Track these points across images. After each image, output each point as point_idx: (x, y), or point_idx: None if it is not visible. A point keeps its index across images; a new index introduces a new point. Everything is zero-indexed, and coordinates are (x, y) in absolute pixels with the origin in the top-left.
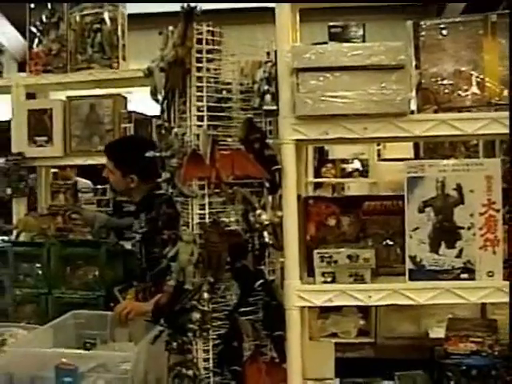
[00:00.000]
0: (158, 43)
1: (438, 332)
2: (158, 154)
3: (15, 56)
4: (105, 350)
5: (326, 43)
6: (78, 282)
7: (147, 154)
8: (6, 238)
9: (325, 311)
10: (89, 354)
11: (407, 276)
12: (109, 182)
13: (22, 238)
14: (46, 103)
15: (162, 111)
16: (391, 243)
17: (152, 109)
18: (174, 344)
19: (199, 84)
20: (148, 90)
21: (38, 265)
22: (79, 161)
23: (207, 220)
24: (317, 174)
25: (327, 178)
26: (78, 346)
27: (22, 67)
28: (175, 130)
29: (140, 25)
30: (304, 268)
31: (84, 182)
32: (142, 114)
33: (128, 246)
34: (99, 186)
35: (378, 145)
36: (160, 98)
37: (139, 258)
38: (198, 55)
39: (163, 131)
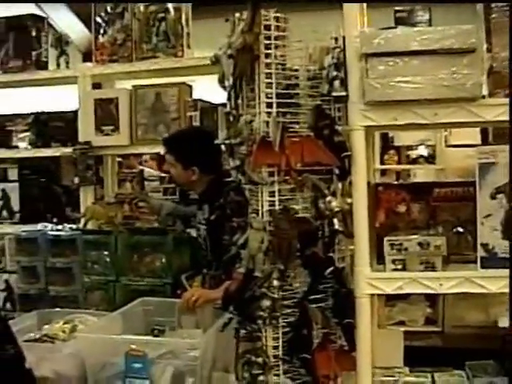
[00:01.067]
0: (222, 31)
1: (507, 321)
2: (227, 142)
3: (80, 47)
4: (173, 336)
5: (392, 28)
6: (145, 269)
7: (216, 141)
8: (74, 226)
9: (391, 299)
10: (158, 340)
11: (479, 264)
12: (170, 175)
13: (89, 226)
14: (112, 92)
15: (229, 98)
16: (461, 230)
17: (217, 96)
18: (243, 331)
19: (267, 70)
20: (212, 77)
21: (106, 252)
22: (145, 149)
23: (277, 207)
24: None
25: (389, 164)
26: (146, 332)
27: (86, 58)
28: (243, 117)
29: (203, 13)
30: (374, 255)
31: (148, 171)
32: (207, 102)
33: (195, 233)
34: (165, 174)
35: (445, 131)
36: (227, 85)
37: (205, 247)
38: (266, 41)
39: (231, 118)
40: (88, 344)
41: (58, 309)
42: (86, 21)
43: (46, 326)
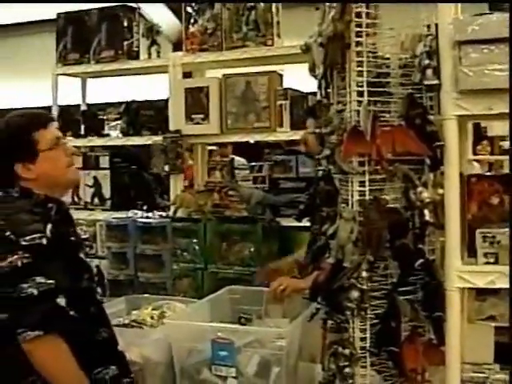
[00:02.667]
0: (310, 20)
1: None
2: (317, 131)
3: (170, 37)
4: (260, 325)
5: (487, 14)
6: (234, 257)
7: (307, 131)
8: (163, 213)
9: (482, 293)
10: (244, 329)
11: None
12: (307, 146)
13: (179, 214)
14: (202, 81)
15: (320, 87)
16: None
17: (307, 85)
18: (331, 322)
19: (359, 59)
20: (302, 66)
21: (195, 240)
22: (235, 138)
23: (367, 197)
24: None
25: (482, 155)
26: (233, 320)
27: (176, 48)
28: (334, 106)
29: (292, 2)
30: (465, 248)
31: (238, 160)
32: (297, 90)
33: (284, 222)
34: (255, 163)
35: None
36: (318, 73)
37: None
38: (357, 29)
39: (322, 107)
40: (176, 330)
41: (146, 295)
42: (177, 11)
43: (135, 312)
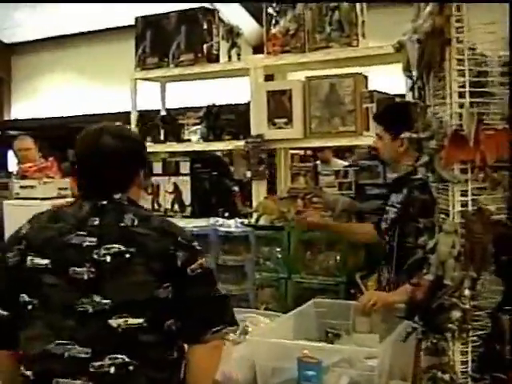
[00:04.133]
0: (393, 19)
1: None
2: (414, 136)
3: (249, 40)
4: (348, 342)
5: None
6: (319, 267)
7: (402, 136)
8: (245, 221)
9: None
10: (333, 347)
11: None
12: (377, 151)
13: (261, 222)
14: (285, 84)
15: (412, 88)
16: None
17: (393, 87)
18: (428, 344)
19: (459, 57)
20: (388, 67)
21: (278, 249)
22: (319, 143)
23: (470, 208)
24: None
25: None
26: (318, 335)
27: (255, 52)
28: (431, 108)
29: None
30: None
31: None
32: (383, 93)
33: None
34: (340, 168)
35: None
36: (413, 73)
37: (388, 236)
38: (458, 24)
39: (419, 110)
40: (259, 347)
41: None
42: (255, 13)
43: None
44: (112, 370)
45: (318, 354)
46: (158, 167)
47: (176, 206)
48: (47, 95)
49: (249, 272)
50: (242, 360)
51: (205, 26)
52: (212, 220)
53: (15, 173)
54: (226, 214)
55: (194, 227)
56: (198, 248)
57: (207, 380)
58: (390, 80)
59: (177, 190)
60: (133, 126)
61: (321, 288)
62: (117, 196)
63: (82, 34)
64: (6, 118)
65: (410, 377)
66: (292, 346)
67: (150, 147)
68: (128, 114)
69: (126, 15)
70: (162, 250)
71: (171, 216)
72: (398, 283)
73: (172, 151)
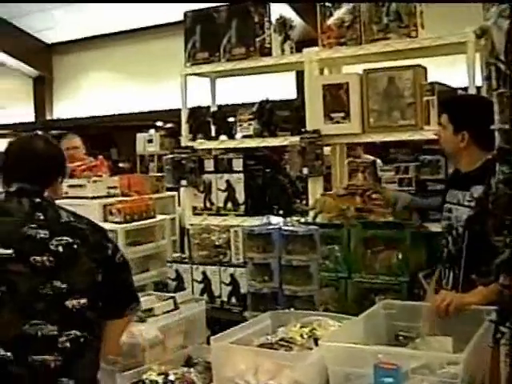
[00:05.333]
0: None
1: None
2: (503, 127)
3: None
4: (421, 345)
5: None
6: (380, 266)
7: (492, 127)
8: (302, 219)
9: None
10: (411, 353)
11: None
12: (438, 143)
13: (319, 220)
14: (341, 77)
15: (488, 77)
16: None
17: (454, 79)
18: None
19: None
20: (447, 58)
21: (337, 247)
22: (378, 137)
23: None
24: None
25: None
26: (388, 338)
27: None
28: None
29: None
30: None
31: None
32: (444, 85)
33: (433, 228)
34: (401, 164)
35: None
36: (500, 59)
37: (452, 237)
38: None
39: (505, 100)
40: (332, 353)
41: (292, 310)
42: (298, 9)
43: (282, 329)
44: (68, 344)
45: (394, 359)
46: (209, 164)
47: (229, 204)
48: (88, 94)
49: (314, 272)
50: (313, 366)
51: (256, 19)
52: (265, 218)
53: None
54: (281, 212)
55: (255, 226)
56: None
57: (119, 346)
58: (450, 72)
59: (230, 187)
60: (183, 123)
61: (382, 288)
62: (45, 195)
63: (122, 32)
64: (48, 118)
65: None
66: (367, 350)
67: (202, 144)
68: (178, 110)
69: (165, 13)
70: (98, 242)
71: (224, 214)
72: (468, 284)
73: (224, 148)
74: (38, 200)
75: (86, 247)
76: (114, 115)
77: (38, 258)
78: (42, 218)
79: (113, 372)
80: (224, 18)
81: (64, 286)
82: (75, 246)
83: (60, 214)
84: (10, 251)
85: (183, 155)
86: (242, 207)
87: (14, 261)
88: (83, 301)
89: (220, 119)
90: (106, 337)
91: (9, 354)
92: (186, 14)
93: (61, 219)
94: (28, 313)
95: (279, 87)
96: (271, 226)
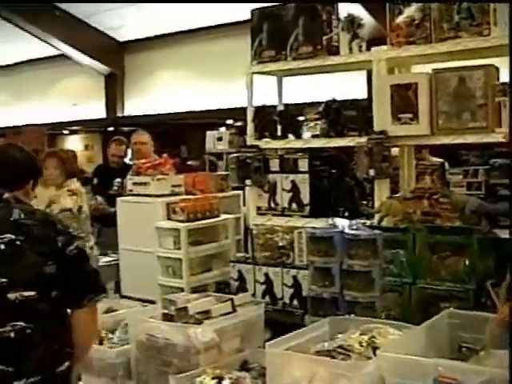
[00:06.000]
0: None
1: None
2: None
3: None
4: (485, 359)
5: None
6: (445, 272)
7: None
8: (367, 222)
9: None
10: (472, 368)
11: None
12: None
13: (384, 223)
14: (410, 77)
15: None
16: None
17: None
18: None
19: None
20: None
21: (402, 252)
22: (447, 139)
23: None
24: None
25: None
26: (450, 349)
27: (376, 43)
28: None
29: None
30: None
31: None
32: None
33: (502, 234)
34: (470, 168)
35: None
36: None
37: None
38: None
39: None
40: (390, 364)
41: (352, 316)
42: (369, 7)
43: (340, 336)
44: (12, 334)
45: (455, 373)
46: (274, 164)
47: (294, 205)
48: (158, 92)
49: (376, 278)
50: (371, 376)
51: (324, 17)
52: (330, 220)
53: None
54: (347, 214)
55: (317, 228)
56: (74, 233)
57: (90, 336)
58: None
59: (295, 187)
60: (249, 122)
61: (447, 295)
62: (6, 196)
63: (190, 31)
64: (119, 115)
65: None
66: (427, 362)
67: (268, 143)
68: (244, 109)
69: (232, 12)
70: (45, 236)
71: (289, 215)
72: None
73: (290, 147)
74: None
75: (31, 242)
76: (183, 113)
77: None
78: None
79: (166, 374)
80: (291, 16)
81: (4, 280)
82: (18, 243)
83: (12, 213)
84: None
85: (248, 154)
86: (307, 208)
87: None
88: (29, 293)
89: (286, 118)
90: (73, 328)
91: None
92: (252, 12)
93: (10, 218)
94: None
95: (349, 86)
96: (334, 230)
